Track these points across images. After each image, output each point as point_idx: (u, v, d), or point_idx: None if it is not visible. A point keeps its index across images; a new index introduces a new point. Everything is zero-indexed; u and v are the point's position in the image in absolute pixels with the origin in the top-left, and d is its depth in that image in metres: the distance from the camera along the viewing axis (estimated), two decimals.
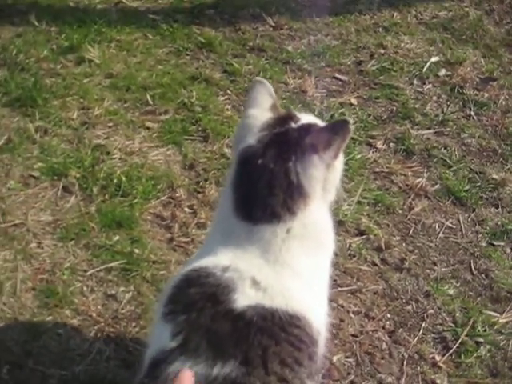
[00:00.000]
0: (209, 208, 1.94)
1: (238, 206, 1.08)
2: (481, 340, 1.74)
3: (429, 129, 2.46)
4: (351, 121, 1.05)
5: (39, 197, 1.95)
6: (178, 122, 2.30)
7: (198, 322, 0.97)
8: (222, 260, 1.04)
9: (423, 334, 1.74)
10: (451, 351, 1.70)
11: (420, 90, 2.64)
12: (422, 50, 2.79)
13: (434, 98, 2.61)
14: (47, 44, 2.57)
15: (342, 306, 1.75)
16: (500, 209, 2.19)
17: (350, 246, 1.94)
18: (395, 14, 2.96)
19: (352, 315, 1.74)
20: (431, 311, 1.80)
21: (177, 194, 2.00)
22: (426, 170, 2.28)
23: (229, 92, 2.44)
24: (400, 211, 2.10)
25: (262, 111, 1.14)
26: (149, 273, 1.74)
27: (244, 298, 0.99)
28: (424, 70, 2.72)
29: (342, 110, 2.47)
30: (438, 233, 2.06)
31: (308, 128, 1.09)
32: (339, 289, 1.80)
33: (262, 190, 1.06)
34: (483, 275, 1.95)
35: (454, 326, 1.77)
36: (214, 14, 2.81)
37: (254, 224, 1.06)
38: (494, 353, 1.72)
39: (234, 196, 1.09)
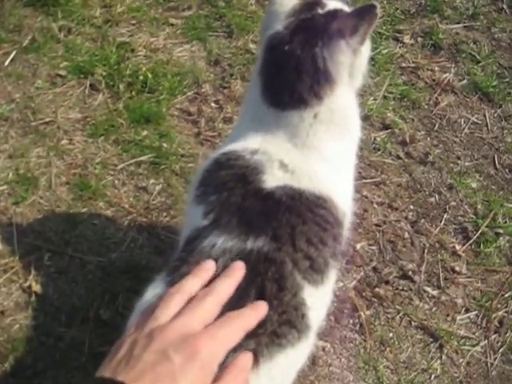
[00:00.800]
0: (234, 103, 1.95)
1: (266, 93, 1.10)
2: (501, 231, 1.78)
3: (458, 23, 2.40)
4: (378, 5, 1.03)
5: (67, 95, 1.98)
6: (201, 17, 2.27)
7: (228, 201, 1.00)
8: (251, 144, 1.07)
9: (445, 224, 1.78)
10: (471, 241, 1.75)
11: None
12: None
13: None
14: None
15: (366, 197, 1.79)
16: None
17: (374, 139, 1.95)
18: None
19: (376, 206, 1.78)
20: (453, 203, 1.84)
21: (203, 90, 2.01)
22: (453, 65, 2.24)
23: None
24: (426, 106, 2.10)
25: None
26: (177, 166, 1.78)
27: (272, 179, 1.02)
28: None
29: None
30: (464, 128, 2.06)
31: (335, 13, 1.07)
32: (364, 181, 1.83)
33: (289, 76, 1.06)
34: (507, 170, 1.96)
35: (475, 217, 1.81)
36: None
37: (282, 110, 1.07)
38: None
39: (261, 83, 1.10)
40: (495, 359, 1.54)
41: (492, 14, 2.45)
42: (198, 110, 1.95)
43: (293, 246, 0.97)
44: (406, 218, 1.78)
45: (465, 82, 2.20)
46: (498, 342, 1.57)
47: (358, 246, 1.67)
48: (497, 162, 1.98)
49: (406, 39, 2.32)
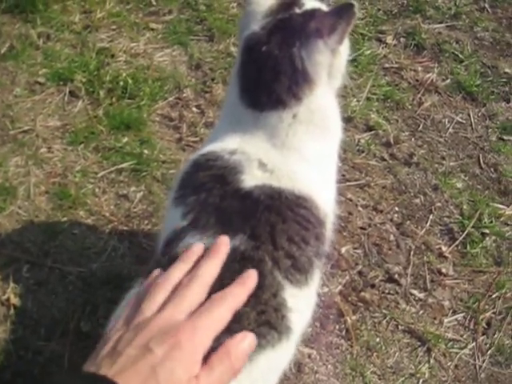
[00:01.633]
0: (216, 107, 1.93)
1: (244, 94, 1.08)
2: (487, 231, 1.77)
3: (441, 22, 2.39)
4: (356, 4, 1.01)
5: (46, 102, 1.95)
6: (182, 21, 2.25)
7: (207, 202, 0.99)
8: (229, 144, 1.06)
9: (430, 225, 1.76)
10: (457, 242, 1.73)
11: None
12: None
13: None
14: None
15: (351, 200, 1.77)
16: (511, 103, 2.16)
17: (358, 141, 1.94)
18: None
19: (360, 208, 1.76)
20: (439, 204, 1.82)
21: (184, 95, 1.99)
22: (436, 65, 2.24)
23: None
24: (409, 107, 2.08)
25: None
26: (159, 172, 1.76)
27: (251, 179, 1.01)
28: None
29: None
30: (448, 128, 2.05)
31: (312, 13, 1.06)
32: (348, 183, 1.81)
33: (267, 77, 1.05)
34: (492, 169, 1.95)
35: (460, 218, 1.79)
36: None
37: (261, 111, 1.06)
38: (499, 243, 1.75)
39: (239, 84, 1.09)
40: (484, 361, 1.52)
41: (474, 13, 2.45)
42: (180, 115, 1.93)
43: (273, 244, 0.95)
44: (391, 220, 1.76)
45: (448, 81, 2.19)
46: (486, 344, 1.55)
47: (343, 250, 1.65)
48: (482, 162, 1.97)
49: (389, 40, 2.31)
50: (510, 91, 2.20)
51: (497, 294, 1.64)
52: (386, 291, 1.60)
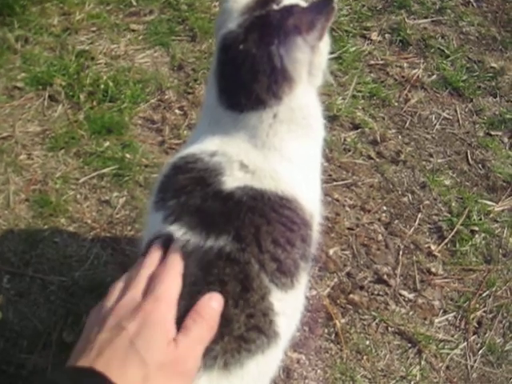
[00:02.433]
0: (199, 108, 1.89)
1: (223, 95, 1.05)
2: (476, 228, 1.75)
3: (426, 18, 2.37)
4: None
5: (25, 108, 1.91)
6: (163, 22, 2.21)
7: (187, 204, 0.96)
8: (209, 146, 1.02)
9: (419, 224, 1.74)
10: (446, 240, 1.71)
11: None
12: None
13: None
14: None
15: (338, 200, 1.74)
16: (498, 98, 2.14)
17: (344, 140, 1.91)
18: None
19: (348, 209, 1.74)
20: (427, 202, 1.80)
21: (166, 96, 1.95)
22: (422, 61, 2.21)
23: None
24: (396, 103, 2.06)
25: None
26: (141, 176, 1.72)
27: (233, 180, 0.97)
28: None
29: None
30: (435, 124, 2.03)
31: (290, 9, 1.02)
32: (334, 183, 1.79)
33: (246, 77, 1.01)
34: (480, 165, 1.93)
35: (449, 215, 1.77)
36: None
37: (240, 112, 1.02)
38: (488, 240, 1.73)
39: (217, 85, 1.05)
40: (475, 361, 1.50)
41: (459, 7, 2.43)
42: (162, 117, 1.89)
43: (258, 246, 0.92)
44: (379, 219, 1.73)
45: (434, 77, 2.17)
46: (477, 344, 1.53)
47: (331, 252, 1.63)
48: (469, 158, 1.95)
49: (374, 36, 2.28)
50: (496, 86, 2.18)
51: (487, 292, 1.62)
52: (375, 292, 1.58)
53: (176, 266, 0.83)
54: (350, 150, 1.88)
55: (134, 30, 2.19)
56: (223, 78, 1.05)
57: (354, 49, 2.20)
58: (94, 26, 2.18)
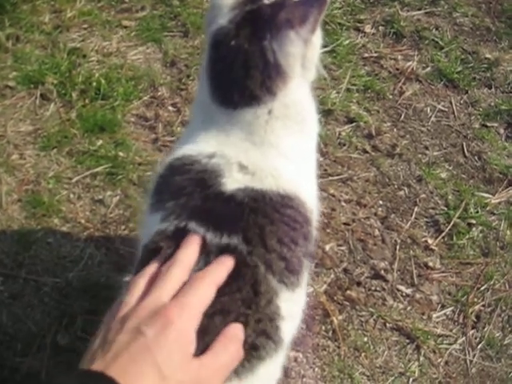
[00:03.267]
0: (192, 105, 1.88)
1: (216, 92, 1.02)
2: (473, 221, 1.74)
3: (419, 9, 2.36)
4: None
5: (17, 107, 1.89)
6: (156, 18, 2.19)
7: (188, 205, 0.93)
8: (206, 147, 1.00)
9: (416, 218, 1.73)
10: (443, 234, 1.70)
11: None
12: None
13: None
14: None
15: (334, 196, 1.73)
16: (493, 89, 2.13)
17: (339, 134, 1.89)
18: None
19: (344, 204, 1.72)
20: (423, 195, 1.79)
21: (159, 93, 1.93)
22: (416, 53, 2.20)
23: None
24: (390, 96, 2.04)
25: None
26: (135, 175, 1.70)
27: (232, 182, 0.95)
28: None
29: None
30: (430, 117, 2.01)
31: (282, 3, 1.00)
32: (330, 178, 1.77)
33: (239, 73, 0.99)
34: (476, 157, 1.92)
35: (446, 209, 1.76)
36: None
37: (234, 108, 1.00)
38: (486, 233, 1.72)
39: (209, 82, 1.03)
40: (474, 356, 1.49)
41: None
42: (155, 114, 1.87)
43: (264, 247, 0.91)
44: (375, 214, 1.72)
45: (429, 69, 2.15)
46: (476, 338, 1.52)
47: (327, 248, 1.61)
48: (465, 150, 1.93)
49: (367, 29, 2.26)
50: (491, 77, 2.17)
51: (485, 285, 1.61)
52: (373, 288, 1.57)
53: (214, 276, 0.78)
54: (345, 145, 1.87)
55: (125, 27, 2.17)
56: (216, 74, 1.03)
57: (347, 42, 2.18)
58: (85, 23, 2.16)
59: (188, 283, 0.73)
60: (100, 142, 1.78)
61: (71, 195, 1.67)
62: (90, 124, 1.82)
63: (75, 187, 1.69)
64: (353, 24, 2.26)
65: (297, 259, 0.95)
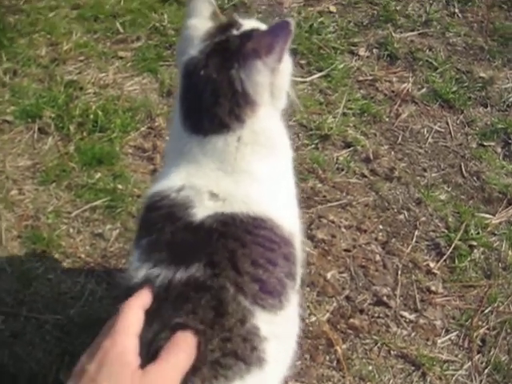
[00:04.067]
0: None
1: (187, 119, 1.05)
2: (474, 243, 1.73)
3: (412, 31, 2.38)
4: (292, 21, 0.98)
5: (15, 142, 1.90)
6: (151, 48, 2.21)
7: (158, 241, 0.96)
8: (175, 181, 1.02)
9: (416, 242, 1.72)
10: (445, 257, 1.69)
11: None
12: None
13: None
14: None
15: (333, 222, 1.73)
16: (489, 108, 2.14)
17: (337, 159, 1.90)
18: None
19: (344, 230, 1.72)
20: (423, 218, 1.78)
21: (156, 124, 1.94)
22: (411, 75, 2.21)
23: None
24: (387, 119, 2.05)
25: (202, 20, 1.09)
26: (134, 207, 1.70)
27: (203, 210, 0.97)
28: None
29: (321, 18, 2.37)
30: (427, 138, 2.02)
31: (249, 33, 1.04)
32: (329, 204, 1.77)
33: (208, 101, 1.02)
34: (474, 177, 1.92)
35: (446, 231, 1.75)
36: None
37: (205, 136, 1.03)
38: (487, 255, 1.71)
39: (182, 110, 1.06)
40: (481, 382, 1.47)
41: (445, 18, 2.43)
42: (153, 145, 1.88)
43: (235, 270, 0.92)
44: (376, 239, 1.71)
45: (424, 90, 2.16)
46: (482, 363, 1.51)
47: (329, 275, 1.61)
48: (464, 170, 1.94)
49: (362, 52, 2.28)
50: (486, 96, 2.18)
51: (489, 308, 1.60)
52: (376, 315, 1.55)
53: (136, 300, 0.84)
54: (343, 170, 1.87)
55: (121, 58, 2.19)
56: (187, 103, 1.06)
57: (342, 66, 2.19)
58: (81, 55, 2.18)
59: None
60: (98, 175, 1.79)
61: (71, 230, 1.67)
62: (88, 157, 1.82)
63: (75, 221, 1.69)
64: (347, 47, 2.28)
65: (276, 280, 0.96)
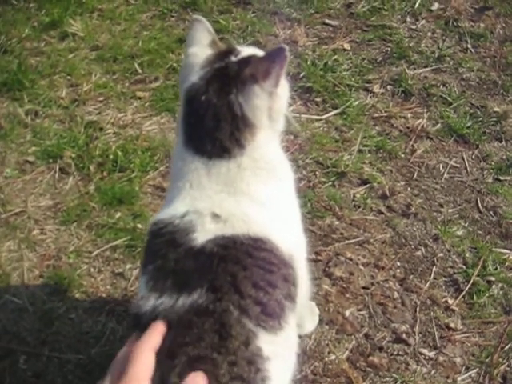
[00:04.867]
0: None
1: (189, 142, 1.10)
2: (492, 279, 1.73)
3: (426, 67, 2.41)
4: (287, 47, 1.04)
5: (37, 182, 1.94)
6: (169, 87, 2.26)
7: (163, 267, 1.00)
8: (178, 208, 1.06)
9: (434, 278, 1.72)
10: (463, 293, 1.69)
11: (413, 27, 2.57)
12: None
13: (429, 34, 2.55)
14: (28, 22, 2.52)
15: (351, 259, 1.74)
16: (504, 142, 2.15)
17: (354, 196, 1.91)
18: None
19: (361, 267, 1.73)
20: (441, 254, 1.79)
21: None
22: (425, 110, 2.23)
23: None
24: (402, 155, 2.07)
25: (201, 48, 1.14)
26: None
27: (204, 234, 1.01)
28: (416, 5, 2.65)
29: (335, 56, 2.41)
30: (443, 173, 2.03)
31: (247, 60, 1.09)
32: (346, 242, 1.78)
33: (209, 125, 1.07)
34: (491, 212, 1.92)
35: (464, 267, 1.75)
36: None
37: (209, 158, 1.07)
38: (506, 290, 1.71)
39: (184, 135, 1.11)
40: None
41: (458, 54, 2.46)
42: None
43: (238, 293, 0.95)
44: (393, 276, 1.72)
45: (439, 126, 2.18)
46: None
47: (347, 313, 1.61)
48: (480, 205, 1.94)
49: (376, 88, 2.31)
50: (501, 130, 2.19)
51: (509, 344, 1.59)
52: (395, 353, 1.55)
53: (147, 343, 0.86)
54: (359, 207, 1.89)
55: (140, 98, 2.24)
56: (188, 129, 1.11)
57: (357, 103, 2.22)
58: (101, 95, 2.24)
59: (126, 361, 0.84)
60: (118, 215, 1.82)
61: (92, 269, 1.69)
62: (108, 197, 1.86)
63: (95, 261, 1.71)
64: (361, 85, 2.31)
65: (276, 302, 0.99)
